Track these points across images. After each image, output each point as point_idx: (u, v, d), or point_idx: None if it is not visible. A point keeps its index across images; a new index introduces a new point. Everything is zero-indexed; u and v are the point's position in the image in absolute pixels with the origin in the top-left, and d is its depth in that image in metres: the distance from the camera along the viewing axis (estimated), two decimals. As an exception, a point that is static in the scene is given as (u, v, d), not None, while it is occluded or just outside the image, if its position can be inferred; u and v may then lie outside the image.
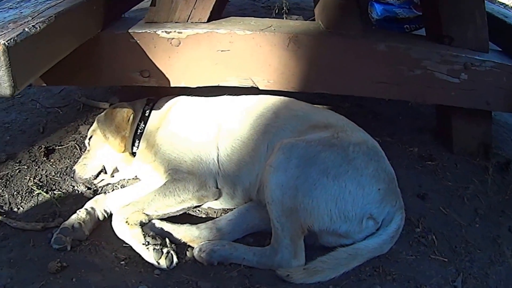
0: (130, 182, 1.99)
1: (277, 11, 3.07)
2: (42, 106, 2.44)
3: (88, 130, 2.12)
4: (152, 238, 1.58)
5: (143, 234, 1.58)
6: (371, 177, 1.53)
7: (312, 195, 1.49)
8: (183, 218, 1.75)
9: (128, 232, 1.59)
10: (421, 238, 1.71)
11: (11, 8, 1.70)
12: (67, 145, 2.17)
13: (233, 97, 1.88)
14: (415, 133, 2.14)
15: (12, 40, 1.26)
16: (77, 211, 1.75)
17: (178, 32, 1.80)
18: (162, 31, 1.80)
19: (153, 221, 1.67)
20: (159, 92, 2.01)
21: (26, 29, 1.35)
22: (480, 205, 1.85)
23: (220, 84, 1.87)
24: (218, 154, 1.73)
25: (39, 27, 1.40)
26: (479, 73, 1.82)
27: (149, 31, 1.81)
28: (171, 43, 1.81)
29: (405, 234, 1.66)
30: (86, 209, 1.75)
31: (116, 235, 1.65)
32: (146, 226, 1.64)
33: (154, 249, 1.55)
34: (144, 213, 1.64)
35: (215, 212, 1.82)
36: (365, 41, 1.80)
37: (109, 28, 1.87)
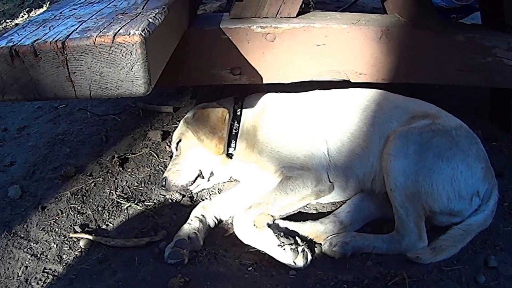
0: (226, 185, 1.91)
1: (303, 6, 3.06)
2: (94, 115, 2.22)
3: (167, 135, 1.96)
4: (286, 238, 1.54)
5: (276, 235, 1.53)
6: (475, 157, 1.64)
7: (431, 178, 1.56)
8: (294, 216, 1.72)
9: (260, 235, 1.53)
10: (510, 211, 1.85)
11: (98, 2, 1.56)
12: (140, 152, 2.01)
13: (327, 91, 1.88)
14: (473, 117, 2.29)
15: (146, 30, 1.15)
16: (188, 221, 1.65)
17: (274, 27, 1.76)
18: (257, 26, 1.75)
19: (276, 221, 1.63)
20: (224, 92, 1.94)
21: (150, 20, 1.24)
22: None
23: (313, 79, 1.86)
24: (327, 149, 1.73)
25: (159, 18, 1.30)
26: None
27: (242, 27, 1.75)
28: (266, 38, 1.77)
29: (496, 209, 1.80)
30: (197, 217, 1.66)
31: (237, 241, 1.56)
32: (272, 227, 1.59)
33: (290, 248, 1.51)
34: (269, 214, 1.59)
35: (323, 206, 1.81)
36: (446, 33, 1.90)
37: (196, 24, 1.78)
